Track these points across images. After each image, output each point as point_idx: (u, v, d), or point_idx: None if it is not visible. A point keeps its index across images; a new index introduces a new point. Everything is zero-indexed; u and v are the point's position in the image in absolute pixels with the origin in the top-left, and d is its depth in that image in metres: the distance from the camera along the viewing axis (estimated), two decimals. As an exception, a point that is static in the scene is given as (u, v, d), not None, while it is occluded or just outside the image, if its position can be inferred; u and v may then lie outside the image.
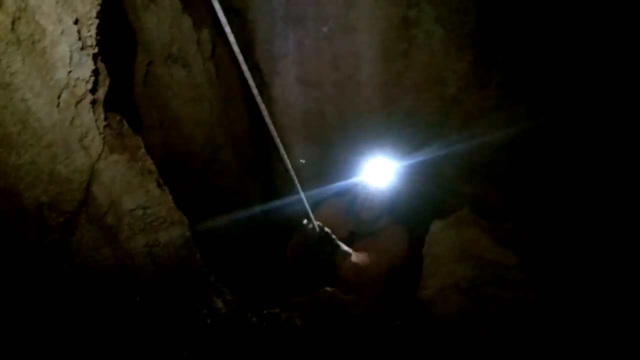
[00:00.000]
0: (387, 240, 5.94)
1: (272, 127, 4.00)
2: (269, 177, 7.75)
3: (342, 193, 6.45)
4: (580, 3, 5.12)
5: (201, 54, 6.15)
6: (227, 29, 3.27)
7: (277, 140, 4.15)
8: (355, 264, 5.43)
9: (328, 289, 4.48)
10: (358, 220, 6.15)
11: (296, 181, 4.63)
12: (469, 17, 5.63)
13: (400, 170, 6.03)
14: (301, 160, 7.04)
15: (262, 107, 3.81)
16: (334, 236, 5.29)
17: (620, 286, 3.73)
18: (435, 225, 4.98)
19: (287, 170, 4.55)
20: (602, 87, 5.14)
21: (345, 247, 5.39)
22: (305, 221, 5.16)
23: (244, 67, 3.45)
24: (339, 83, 6.47)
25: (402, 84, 6.21)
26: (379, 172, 5.90)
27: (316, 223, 5.13)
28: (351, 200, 6.29)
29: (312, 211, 5.19)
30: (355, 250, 5.61)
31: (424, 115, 6.37)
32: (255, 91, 3.70)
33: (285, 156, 4.37)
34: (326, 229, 5.22)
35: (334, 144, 6.98)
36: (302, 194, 4.75)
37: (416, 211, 6.41)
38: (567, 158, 5.47)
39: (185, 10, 5.81)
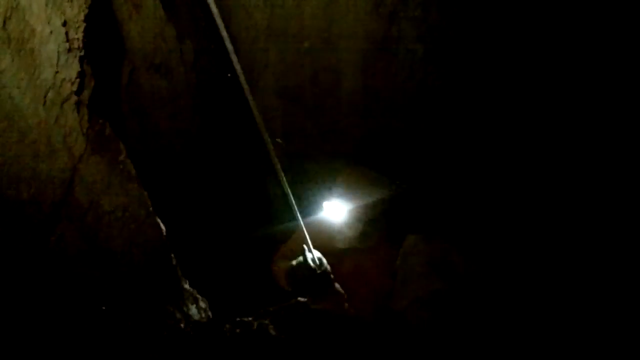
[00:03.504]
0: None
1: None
2: (255, 192, 7.74)
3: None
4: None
5: (183, 65, 6.20)
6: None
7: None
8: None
9: (300, 299, 4.53)
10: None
11: (295, 208, 4.81)
12: (449, 35, 5.76)
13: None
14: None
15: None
16: (331, 275, 5.52)
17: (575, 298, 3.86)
18: (409, 240, 5.09)
19: (284, 195, 4.73)
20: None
21: (337, 287, 5.59)
22: (305, 255, 5.42)
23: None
24: (319, 98, 6.56)
25: (382, 101, 6.31)
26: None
27: (316, 257, 5.38)
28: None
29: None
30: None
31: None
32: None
33: (284, 181, 4.58)
34: (326, 265, 5.45)
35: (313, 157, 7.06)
36: (301, 222, 4.98)
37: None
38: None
39: (169, 21, 5.86)
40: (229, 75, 6.26)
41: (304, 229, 5.14)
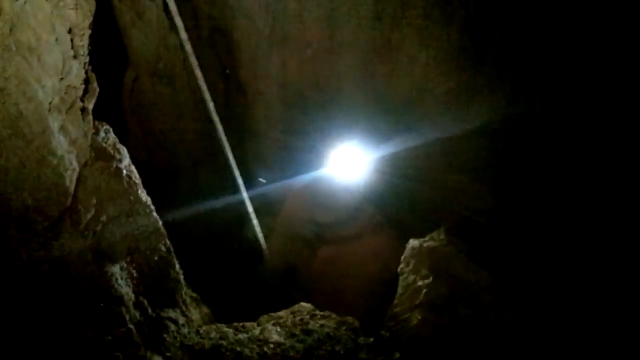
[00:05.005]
0: (366, 252, 5.93)
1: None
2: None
3: (306, 186, 6.35)
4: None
5: (186, 72, 6.23)
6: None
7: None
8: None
9: (304, 304, 4.54)
10: (319, 223, 6.09)
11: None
12: (452, 42, 5.78)
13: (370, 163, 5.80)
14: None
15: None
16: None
17: (587, 309, 3.84)
18: (411, 244, 5.09)
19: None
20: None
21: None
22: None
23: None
24: (322, 104, 6.58)
25: (384, 107, 6.33)
26: (346, 165, 5.59)
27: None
28: (314, 196, 6.14)
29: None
30: (320, 259, 5.84)
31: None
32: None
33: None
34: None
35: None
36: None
37: (397, 211, 6.33)
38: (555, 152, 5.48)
39: (172, 28, 5.90)
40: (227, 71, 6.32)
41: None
